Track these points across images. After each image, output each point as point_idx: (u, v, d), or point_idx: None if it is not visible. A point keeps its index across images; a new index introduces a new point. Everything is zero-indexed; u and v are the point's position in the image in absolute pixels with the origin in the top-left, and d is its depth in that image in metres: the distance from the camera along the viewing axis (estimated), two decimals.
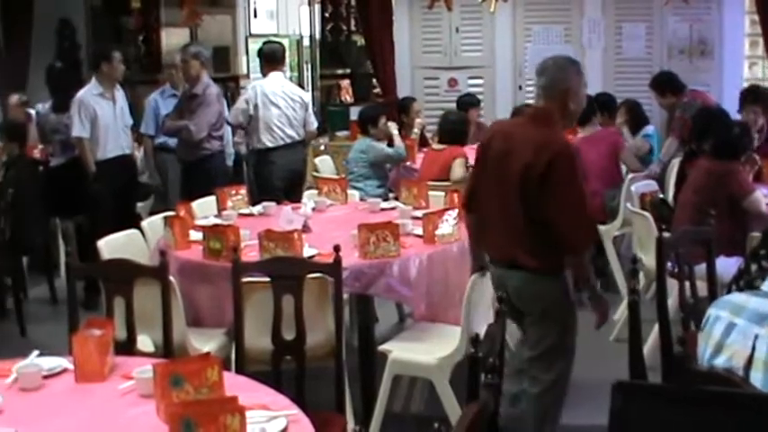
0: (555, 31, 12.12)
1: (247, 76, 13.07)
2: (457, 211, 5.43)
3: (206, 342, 4.95)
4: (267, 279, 4.26)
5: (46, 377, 3.45)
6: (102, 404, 3.25)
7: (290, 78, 10.92)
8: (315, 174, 8.36)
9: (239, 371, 4.01)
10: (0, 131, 8.60)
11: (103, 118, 7.81)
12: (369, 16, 11.22)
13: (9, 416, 3.14)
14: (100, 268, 4.56)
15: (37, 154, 9.33)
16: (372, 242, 4.93)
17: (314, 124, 8.44)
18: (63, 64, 9.84)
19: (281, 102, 8.06)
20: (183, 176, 7.95)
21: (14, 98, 10.24)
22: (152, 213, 7.50)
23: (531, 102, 7.67)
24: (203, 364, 3.06)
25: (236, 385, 3.21)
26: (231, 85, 12.28)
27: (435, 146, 8.11)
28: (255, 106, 7.99)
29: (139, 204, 8.56)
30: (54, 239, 8.76)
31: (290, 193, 7.72)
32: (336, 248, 4.19)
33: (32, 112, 9.40)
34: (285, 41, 11.01)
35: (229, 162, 8.41)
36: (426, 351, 4.89)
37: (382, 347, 5.02)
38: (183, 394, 2.98)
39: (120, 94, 8.05)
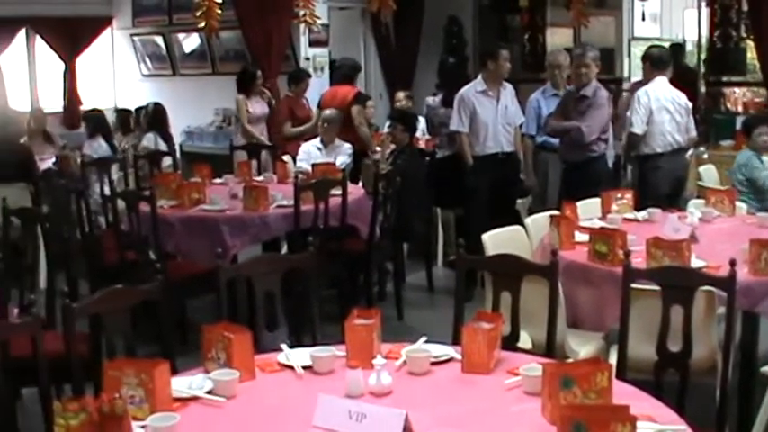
0: None
1: (628, 78, 12.94)
2: None
3: (583, 344, 4.94)
4: (654, 287, 4.18)
5: (433, 363, 3.53)
6: (486, 396, 3.29)
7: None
8: (700, 183, 8.14)
9: (619, 377, 3.96)
10: (392, 121, 8.98)
11: (483, 115, 7.98)
12: (761, 22, 10.73)
13: (398, 397, 3.24)
14: (489, 262, 4.61)
15: (422, 144, 9.71)
16: (764, 258, 4.72)
17: (694, 131, 8.24)
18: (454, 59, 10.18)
19: (670, 107, 7.92)
20: (565, 177, 7.93)
21: (401, 94, 10.86)
22: (530, 211, 7.58)
23: None
24: (594, 368, 3.02)
25: (622, 393, 3.15)
26: (612, 87, 12.17)
27: None
28: (650, 112, 7.87)
29: (519, 201, 8.66)
30: (434, 229, 9.03)
31: (672, 200, 7.57)
32: (732, 263, 4.05)
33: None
34: (667, 45, 10.82)
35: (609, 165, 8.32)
36: None
37: (765, 369, 4.82)
38: (571, 396, 2.95)
39: (506, 92, 8.16)
